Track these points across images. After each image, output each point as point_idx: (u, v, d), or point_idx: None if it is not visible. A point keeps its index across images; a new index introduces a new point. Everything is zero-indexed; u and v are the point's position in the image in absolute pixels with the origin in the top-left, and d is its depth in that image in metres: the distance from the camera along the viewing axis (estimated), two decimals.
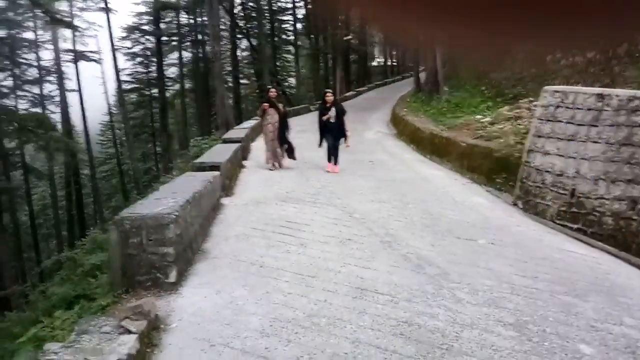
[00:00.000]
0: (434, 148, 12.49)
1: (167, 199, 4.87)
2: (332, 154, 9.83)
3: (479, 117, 12.61)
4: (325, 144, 9.89)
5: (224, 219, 6.44)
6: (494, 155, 9.43)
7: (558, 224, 7.08)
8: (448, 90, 17.62)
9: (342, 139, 9.78)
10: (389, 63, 56.06)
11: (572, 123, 7.28)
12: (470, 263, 5.02)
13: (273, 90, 10.64)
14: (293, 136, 10.58)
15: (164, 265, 4.21)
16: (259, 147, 12.74)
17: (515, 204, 8.18)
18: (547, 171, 7.58)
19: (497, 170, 9.23)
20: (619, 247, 6.00)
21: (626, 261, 5.69)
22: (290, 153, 10.30)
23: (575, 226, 6.79)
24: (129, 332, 3.12)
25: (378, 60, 61.01)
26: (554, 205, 7.31)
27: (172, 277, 4.23)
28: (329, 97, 9.90)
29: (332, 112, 9.68)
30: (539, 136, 7.96)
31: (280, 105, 10.24)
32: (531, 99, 11.69)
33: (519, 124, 10.37)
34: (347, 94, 32.76)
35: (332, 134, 9.72)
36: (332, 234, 5.83)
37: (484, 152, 9.83)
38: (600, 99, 6.89)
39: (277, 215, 6.61)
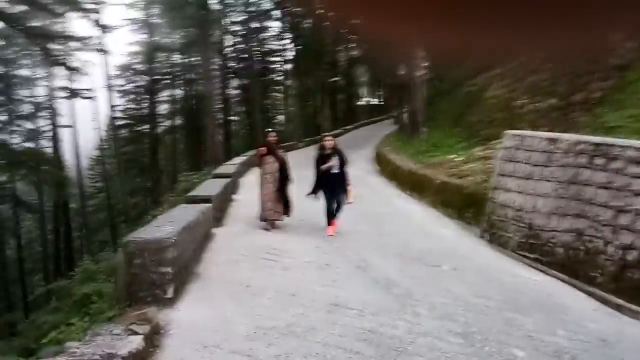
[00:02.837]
0: (413, 184, 13.32)
1: (165, 226, 5.52)
2: (336, 209, 8.14)
3: (453, 156, 13.53)
4: (321, 198, 8.21)
5: (215, 247, 7.09)
6: (464, 191, 10.25)
7: (518, 254, 7.82)
8: (427, 131, 18.67)
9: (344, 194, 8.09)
10: (376, 102, 57.87)
11: (529, 164, 8.14)
12: (432, 285, 5.71)
13: (273, 134, 9.04)
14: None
15: (163, 282, 4.83)
16: (248, 182, 13.47)
17: (482, 237, 8.92)
18: (509, 206, 8.38)
19: (467, 205, 10.02)
20: (568, 274, 6.71)
21: (573, 286, 6.40)
22: (286, 208, 8.64)
23: (533, 256, 7.53)
24: (136, 333, 3.73)
25: (365, 99, 62.96)
26: (514, 237, 8.07)
27: (170, 293, 4.85)
28: (329, 142, 8.24)
29: (335, 161, 8.00)
30: (502, 175, 8.81)
31: (281, 152, 8.81)
32: (500, 140, 12.64)
33: (488, 164, 11.25)
34: (334, 132, 33.87)
35: (334, 187, 8.01)
36: (313, 260, 6.50)
37: (456, 188, 10.65)
38: (552, 142, 7.77)
39: (263, 244, 7.27)
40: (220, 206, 9.49)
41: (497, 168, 9.12)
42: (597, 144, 6.87)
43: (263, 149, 8.65)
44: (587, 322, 4.91)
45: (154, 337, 3.96)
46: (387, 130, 30.79)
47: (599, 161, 6.75)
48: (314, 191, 8.18)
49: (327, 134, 9.09)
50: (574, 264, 6.83)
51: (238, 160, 17.32)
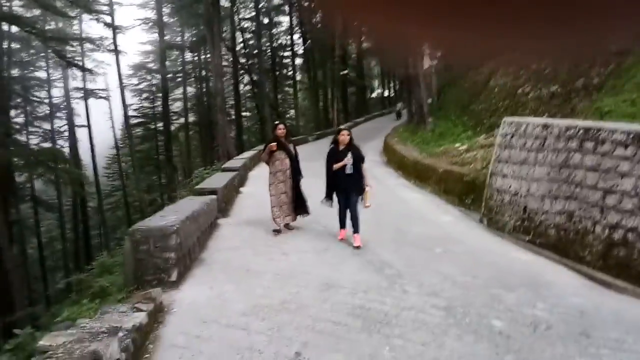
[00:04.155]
0: (417, 174, 13.54)
1: (170, 216, 5.90)
2: (351, 218, 6.98)
3: (457, 145, 13.71)
4: (335, 202, 7.19)
5: (219, 235, 7.46)
6: (465, 179, 10.46)
7: (514, 236, 8.04)
8: (433, 121, 18.82)
9: (360, 197, 6.98)
10: (387, 94, 57.85)
11: (523, 149, 8.34)
12: (423, 266, 5.99)
13: (281, 126, 7.88)
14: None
15: (167, 267, 5.20)
16: (256, 175, 13.86)
17: (481, 222, 9.15)
18: (506, 191, 8.60)
19: (467, 192, 10.24)
20: (559, 254, 6.93)
21: (564, 265, 6.62)
22: (302, 207, 7.82)
23: (527, 238, 7.75)
24: (140, 310, 4.10)
25: (377, 92, 62.90)
26: (510, 220, 8.29)
27: (174, 276, 5.23)
28: (344, 137, 7.08)
29: (349, 159, 6.91)
30: (499, 161, 9.01)
31: (291, 146, 7.88)
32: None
33: (490, 151, 11.42)
34: (345, 124, 34.11)
35: (347, 189, 6.97)
36: (312, 246, 6.82)
37: (457, 176, 10.86)
38: (545, 128, 7.96)
39: (266, 232, 7.61)
40: (227, 198, 9.87)
41: (495, 155, 9.32)
42: (587, 129, 7.05)
43: (273, 145, 7.61)
44: (569, 296, 5.15)
45: (157, 314, 4.33)
46: (398, 122, 30.98)
47: (588, 145, 6.93)
48: (328, 195, 7.25)
49: (342, 127, 8.08)
50: (564, 244, 7.04)
51: (247, 154, 17.72)
